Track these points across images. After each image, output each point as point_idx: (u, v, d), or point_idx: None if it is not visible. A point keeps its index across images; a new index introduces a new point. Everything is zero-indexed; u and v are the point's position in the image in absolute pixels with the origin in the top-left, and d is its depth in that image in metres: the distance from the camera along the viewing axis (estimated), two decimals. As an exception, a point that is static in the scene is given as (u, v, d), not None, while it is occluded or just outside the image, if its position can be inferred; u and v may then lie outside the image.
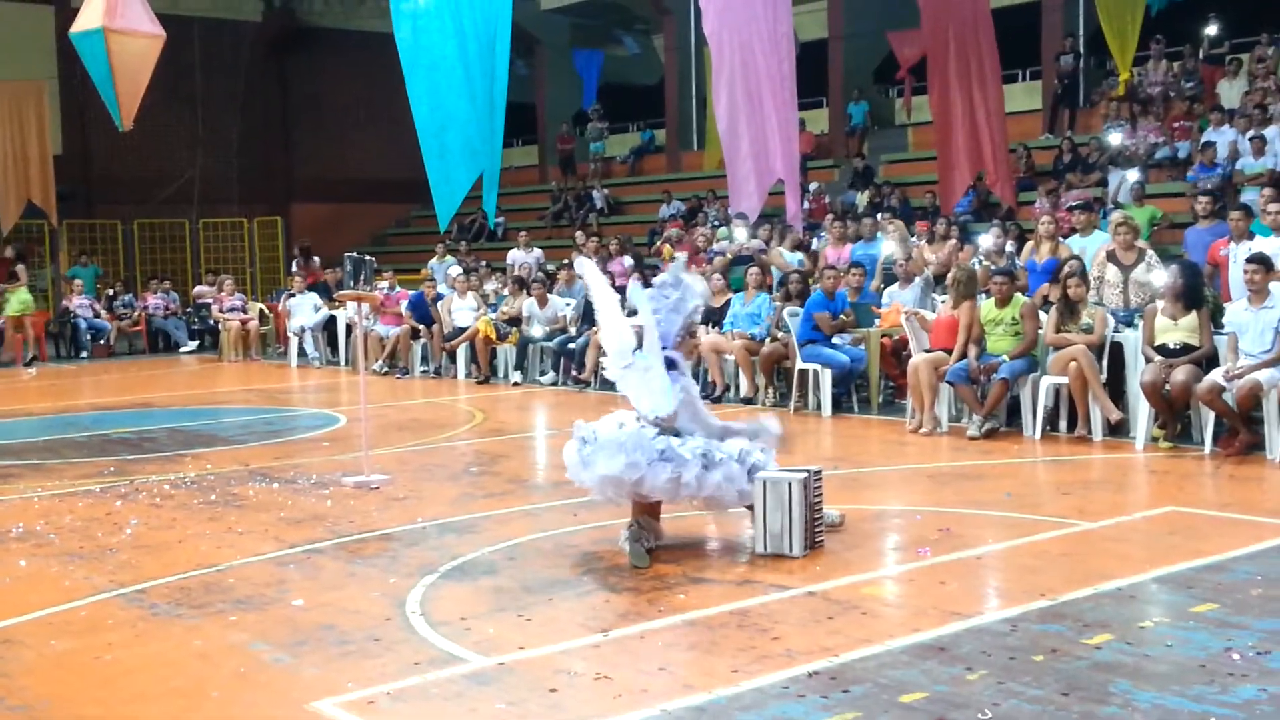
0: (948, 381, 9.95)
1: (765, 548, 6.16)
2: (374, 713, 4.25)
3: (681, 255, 14.21)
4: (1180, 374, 8.73)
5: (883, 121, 24.35)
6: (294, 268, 20.84)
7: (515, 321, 15.16)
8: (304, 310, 18.56)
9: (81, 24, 11.49)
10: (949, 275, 10.89)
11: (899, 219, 15.34)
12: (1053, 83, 20.17)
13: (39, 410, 13.55)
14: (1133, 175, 15.60)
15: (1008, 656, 4.58)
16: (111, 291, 22.01)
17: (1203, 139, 15.76)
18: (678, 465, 6.10)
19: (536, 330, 14.84)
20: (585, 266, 6.99)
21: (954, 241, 13.30)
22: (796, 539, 6.11)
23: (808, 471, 6.28)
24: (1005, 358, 9.66)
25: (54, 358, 20.32)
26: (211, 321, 20.60)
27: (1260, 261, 8.88)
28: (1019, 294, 10.07)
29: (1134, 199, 14.29)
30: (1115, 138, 16.44)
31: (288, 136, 28.52)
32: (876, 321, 11.77)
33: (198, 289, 22.36)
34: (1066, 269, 10.12)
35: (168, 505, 7.92)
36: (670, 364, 6.27)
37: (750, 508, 6.29)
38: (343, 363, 17.64)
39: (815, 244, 14.95)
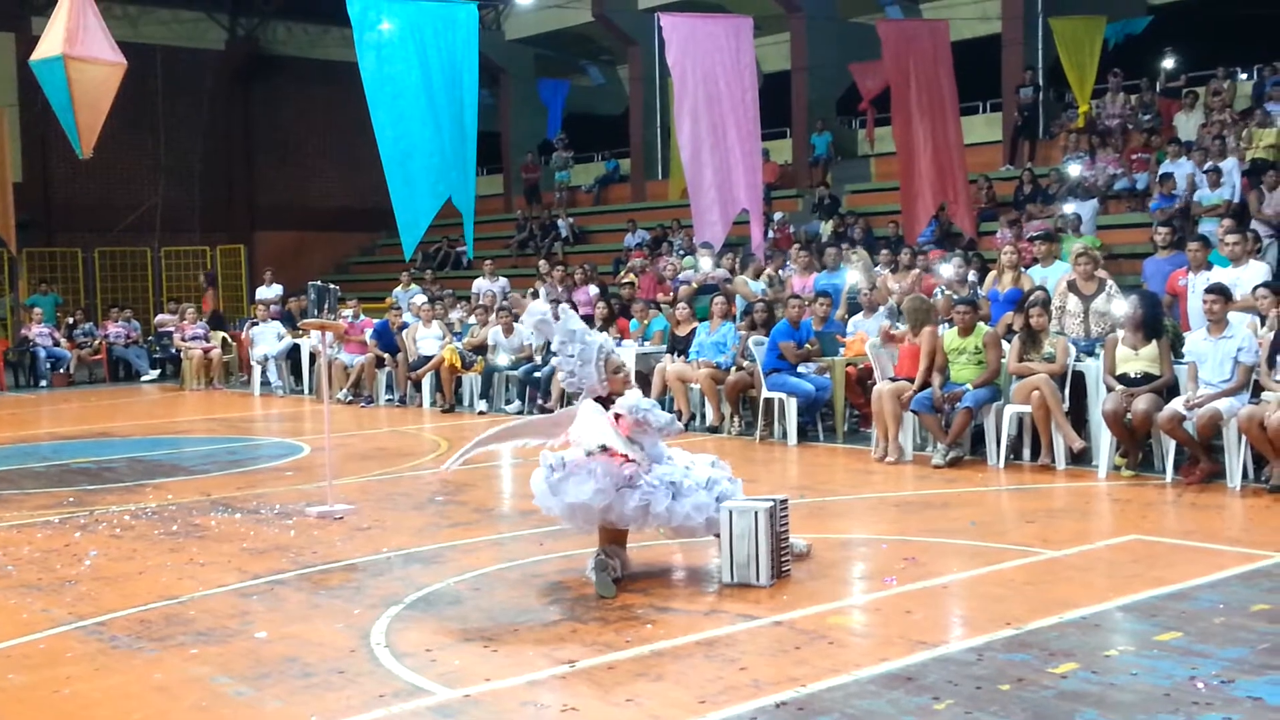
0: (912, 410, 10.00)
1: (732, 577, 6.15)
2: (338, 746, 4.20)
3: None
4: (1141, 403, 8.81)
5: (846, 152, 24.55)
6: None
7: (481, 350, 15.13)
8: (267, 339, 18.44)
9: (42, 51, 11.40)
10: (903, 304, 10.97)
11: (862, 248, 15.44)
12: (1013, 114, 20.41)
13: (-4, 440, 13.38)
14: (1070, 208, 15.81)
15: (974, 686, 4.59)
16: (71, 320, 21.80)
17: (1160, 170, 15.98)
18: (646, 493, 6.11)
19: (502, 359, 14.81)
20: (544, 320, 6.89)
21: (917, 271, 13.40)
22: (763, 568, 6.11)
23: (774, 500, 6.29)
24: (969, 386, 9.72)
25: (12, 387, 20.07)
26: (173, 350, 20.43)
27: (1219, 292, 8.99)
28: (982, 323, 10.14)
29: (1072, 229, 14.48)
30: (1075, 169, 16.64)
31: (251, 165, 28.43)
32: (841, 350, 11.82)
33: (160, 317, 22.19)
34: (1031, 298, 10.21)
35: (128, 536, 7.83)
36: (606, 403, 6.31)
37: (718, 536, 6.29)
38: (306, 391, 17.53)
39: (782, 273, 15.01)
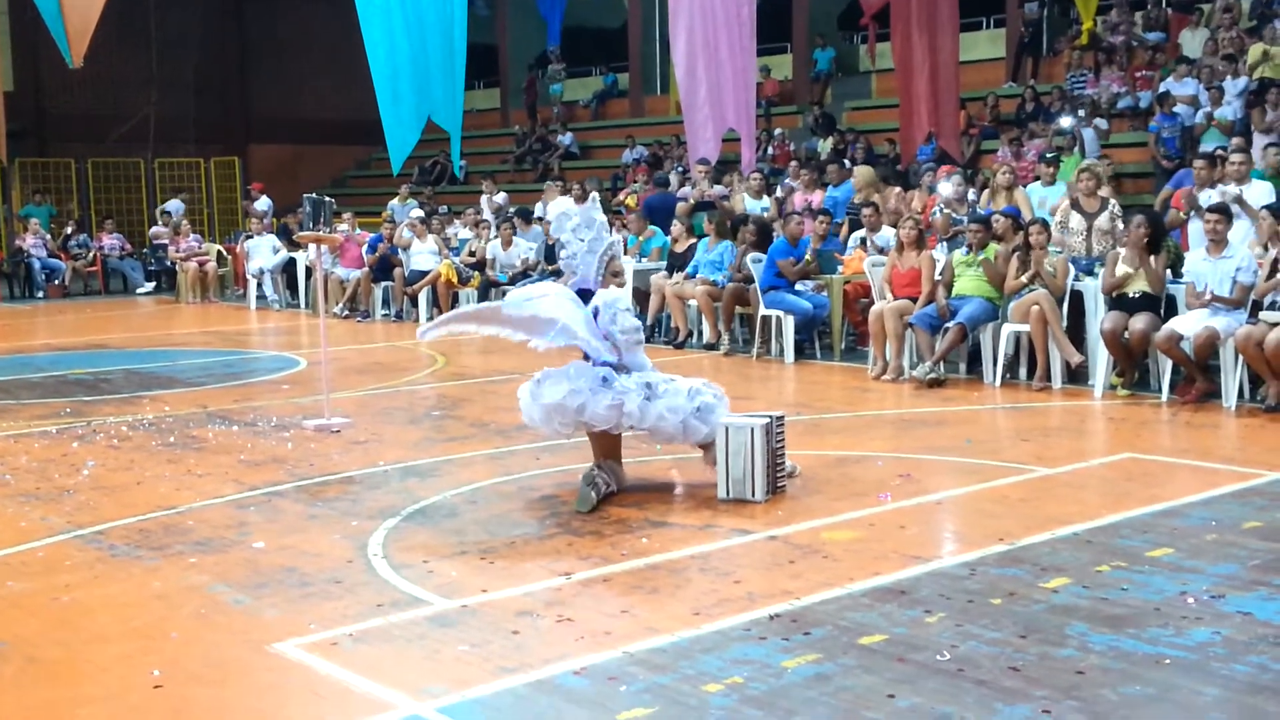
0: (910, 323, 9.97)
1: (727, 493, 6.18)
2: (336, 654, 4.24)
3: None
4: (1139, 322, 8.80)
5: (848, 68, 24.26)
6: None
7: (478, 266, 15.06)
8: (262, 252, 18.36)
9: (31, -43, 11.22)
10: (899, 227, 10.87)
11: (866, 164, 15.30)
12: (1017, 31, 20.13)
13: (-8, 351, 13.37)
14: (1066, 121, 15.65)
15: (966, 600, 4.63)
16: (69, 230, 21.67)
17: (1161, 88, 15.80)
18: (620, 393, 6.12)
19: (504, 271, 14.76)
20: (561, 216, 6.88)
21: (898, 190, 13.25)
22: (758, 484, 6.14)
23: (770, 417, 6.29)
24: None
25: (7, 298, 20.03)
26: (168, 263, 20.34)
27: (1222, 211, 8.94)
28: (993, 242, 10.06)
29: (1069, 149, 14.33)
30: (1066, 121, 16.31)
31: (245, 76, 28.07)
32: (840, 268, 11.77)
33: (154, 229, 22.05)
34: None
35: (125, 447, 7.85)
36: (585, 295, 6.34)
37: (702, 447, 6.33)
38: (303, 305, 17.50)
39: (779, 191, 14.90)
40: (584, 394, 6.11)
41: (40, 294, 19.93)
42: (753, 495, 6.13)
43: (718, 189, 14.86)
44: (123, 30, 22.80)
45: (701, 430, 6.29)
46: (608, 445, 6.35)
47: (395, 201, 19.25)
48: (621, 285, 6.63)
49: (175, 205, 22.56)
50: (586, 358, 6.34)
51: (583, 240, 6.46)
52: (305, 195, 9.47)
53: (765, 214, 13.61)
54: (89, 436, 8.19)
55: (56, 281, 20.30)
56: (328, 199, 9.31)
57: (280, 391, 10.10)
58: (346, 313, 16.06)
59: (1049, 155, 12.68)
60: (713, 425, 6.31)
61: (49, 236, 21.02)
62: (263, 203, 21.11)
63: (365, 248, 16.40)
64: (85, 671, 4.18)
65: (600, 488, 6.16)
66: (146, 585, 5.07)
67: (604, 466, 6.29)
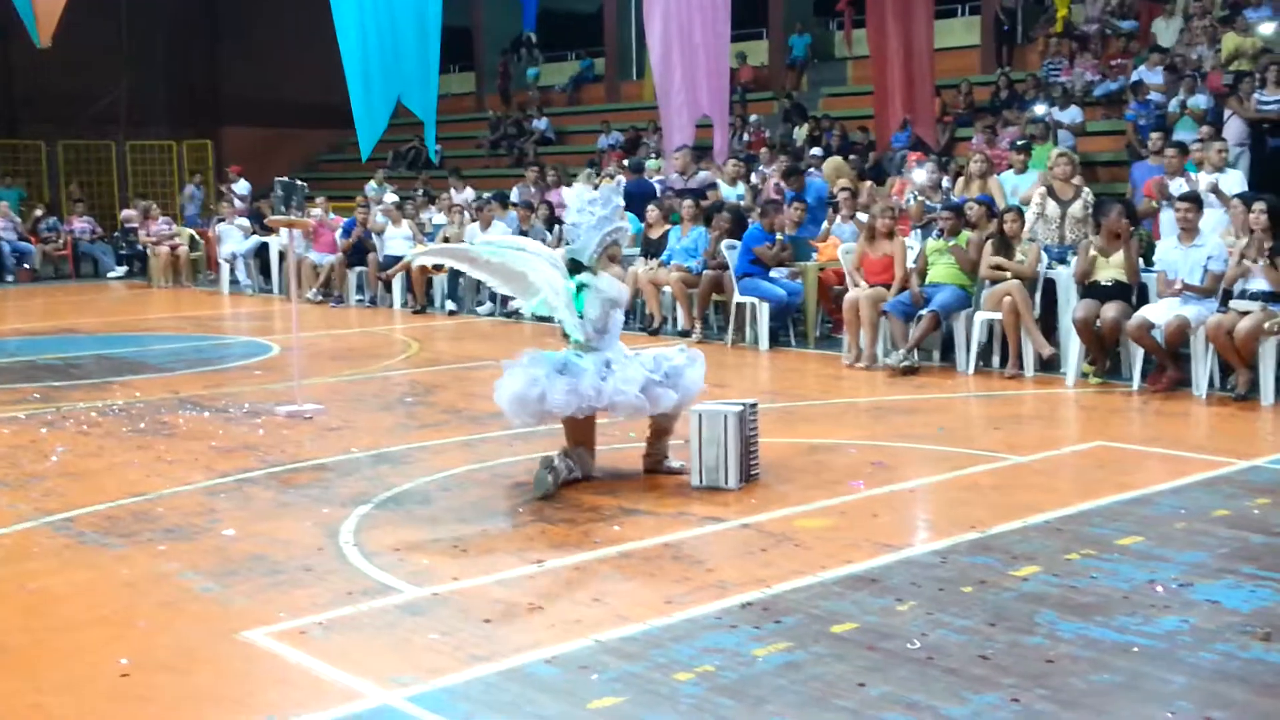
0: (884, 311, 9.99)
1: (701, 480, 6.18)
2: (305, 643, 4.22)
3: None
4: (1110, 310, 8.84)
5: (823, 55, 24.23)
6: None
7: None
8: (235, 236, 18.23)
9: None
10: (868, 216, 10.90)
11: (836, 154, 15.31)
12: (992, 18, 20.14)
13: (-39, 335, 13.24)
14: (1040, 109, 15.68)
15: (937, 588, 4.65)
16: (39, 213, 21.46)
17: (1134, 76, 15.85)
18: (574, 377, 6.10)
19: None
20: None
21: (870, 184, 13.24)
22: (732, 472, 6.14)
23: (744, 405, 6.30)
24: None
25: (-24, 282, 19.87)
26: (139, 247, 20.18)
27: (1193, 200, 8.98)
28: (966, 230, 10.08)
29: (1041, 137, 14.35)
30: (1040, 109, 16.31)
31: (217, 58, 27.81)
32: (814, 255, 11.78)
33: (125, 213, 21.87)
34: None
35: (95, 433, 7.79)
36: (575, 268, 6.35)
37: (662, 417, 6.34)
38: (276, 290, 17.39)
39: (754, 178, 14.88)
40: (541, 383, 6.10)
41: (10, 278, 19.74)
42: (726, 483, 6.13)
43: (703, 175, 14.75)
44: (93, 11, 22.52)
45: (669, 397, 6.22)
46: (579, 433, 6.34)
47: (373, 183, 19.15)
48: (618, 275, 6.55)
49: (241, 187, 22.07)
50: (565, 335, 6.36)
51: (592, 215, 6.41)
52: (277, 179, 9.40)
53: (741, 201, 13.59)
54: (58, 422, 8.12)
55: (26, 265, 20.12)
56: (299, 182, 9.26)
57: (252, 377, 10.04)
58: (320, 298, 15.97)
59: (1021, 143, 12.72)
60: (685, 390, 6.27)
61: (19, 220, 20.81)
62: (242, 186, 20.95)
63: (339, 232, 16.31)
64: (52, 659, 4.15)
65: (560, 473, 6.11)
66: (115, 573, 5.04)
67: (571, 453, 6.27)
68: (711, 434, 6.15)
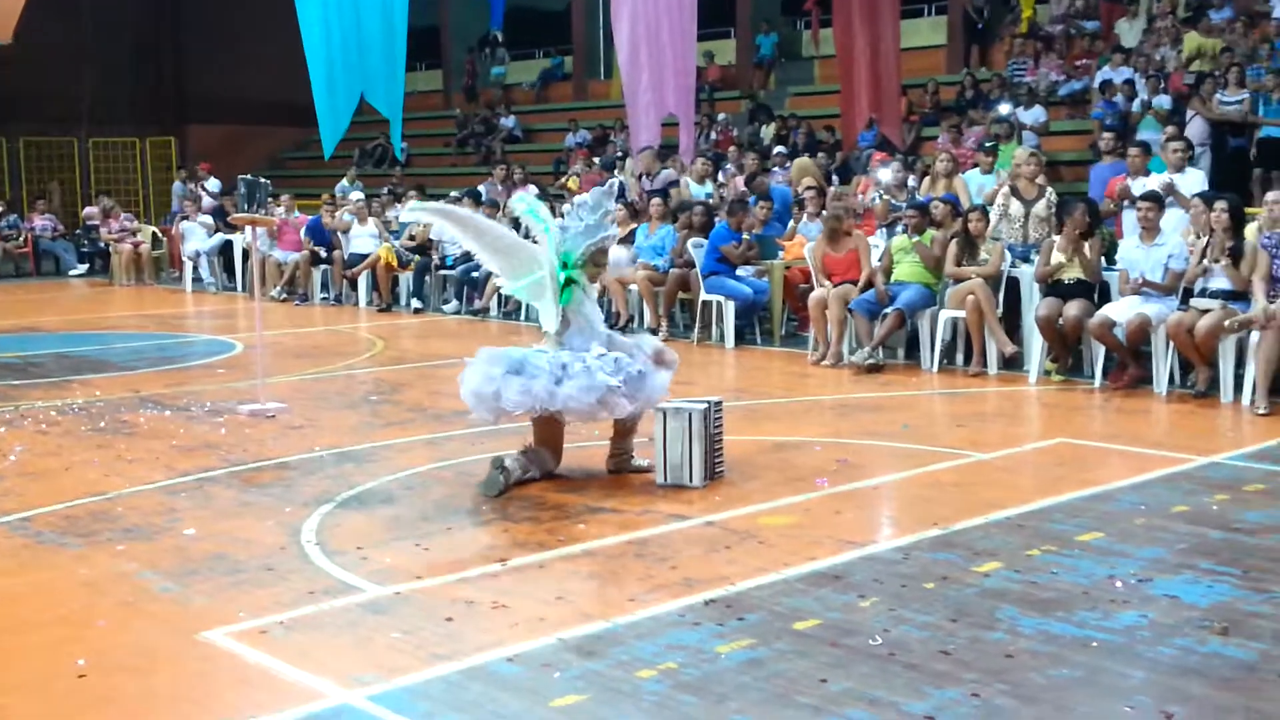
0: (849, 309, 10.02)
1: (665, 478, 6.18)
2: (266, 642, 4.19)
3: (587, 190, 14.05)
4: (1073, 308, 8.90)
5: (791, 54, 24.28)
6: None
7: (419, 249, 14.94)
8: (198, 234, 18.09)
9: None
10: (825, 214, 10.95)
11: (806, 154, 15.34)
12: (959, 18, 20.23)
13: (-81, 334, 13.08)
14: (1005, 108, 15.78)
15: (899, 584, 4.66)
16: (-1, 210, 21.25)
17: (1099, 77, 15.98)
18: (529, 378, 6.08)
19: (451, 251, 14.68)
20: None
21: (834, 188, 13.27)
22: (696, 470, 6.14)
23: (708, 402, 6.30)
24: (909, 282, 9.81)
25: (-65, 280, 19.63)
26: (101, 244, 19.99)
27: (1154, 199, 9.05)
28: (931, 229, 10.12)
29: (1005, 136, 14.43)
30: (1005, 107, 16.40)
31: (181, 55, 27.57)
32: (780, 254, 11.81)
33: (87, 210, 21.65)
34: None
35: (54, 432, 7.71)
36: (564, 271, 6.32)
37: (622, 423, 6.33)
38: (240, 288, 17.27)
39: (721, 176, 14.89)
40: (497, 381, 6.10)
41: (-30, 276, 19.53)
42: (690, 481, 6.14)
43: (667, 173, 14.74)
44: (55, 7, 22.35)
45: (624, 407, 6.17)
46: (544, 431, 6.33)
47: (344, 182, 19.05)
48: (594, 280, 6.54)
49: (212, 184, 21.82)
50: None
51: (581, 220, 6.40)
52: (240, 176, 9.34)
53: (709, 199, 13.60)
54: (16, 421, 8.03)
55: (-14, 263, 19.91)
56: (263, 180, 9.18)
57: (215, 376, 9.97)
58: (284, 296, 15.88)
59: (988, 144, 12.79)
60: (645, 399, 6.23)
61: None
62: (213, 183, 20.79)
63: (303, 230, 16.21)
64: (8, 660, 4.10)
65: (512, 473, 6.09)
66: (73, 573, 4.98)
67: (529, 452, 6.24)
68: (676, 431, 6.14)
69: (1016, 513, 5.63)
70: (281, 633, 4.28)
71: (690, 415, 6.13)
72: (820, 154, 15.73)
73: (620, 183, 7.40)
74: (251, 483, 6.42)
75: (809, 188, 12.57)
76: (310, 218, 16.52)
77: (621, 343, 6.53)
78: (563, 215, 6.67)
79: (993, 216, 10.33)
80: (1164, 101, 14.58)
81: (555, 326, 6.28)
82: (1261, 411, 7.79)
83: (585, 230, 6.38)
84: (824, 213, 11.11)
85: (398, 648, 4.11)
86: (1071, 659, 3.94)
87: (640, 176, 14.65)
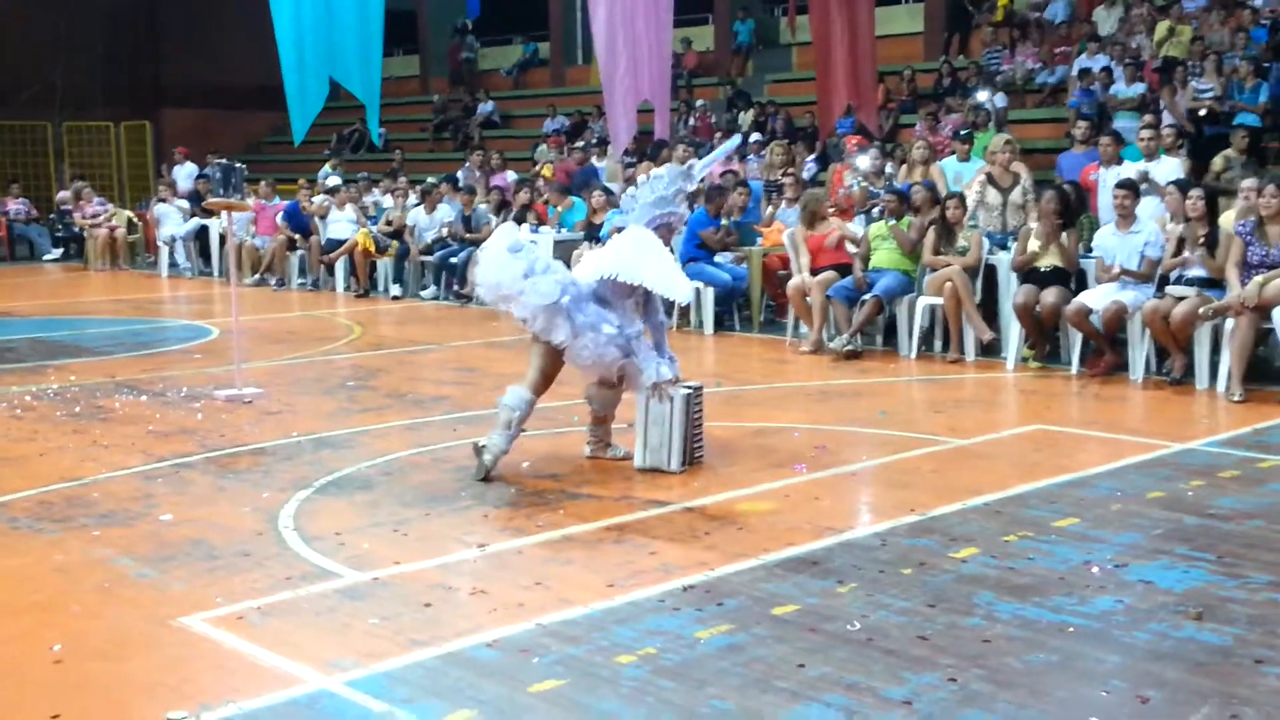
0: (828, 296, 10.03)
1: (645, 461, 6.18)
2: (242, 628, 4.17)
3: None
4: (1050, 296, 8.94)
5: (768, 40, 24.26)
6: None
7: (396, 234, 14.89)
8: (174, 218, 17.97)
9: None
10: (801, 200, 10.98)
11: (785, 140, 15.34)
12: (937, 5, 20.25)
13: (-110, 319, 12.95)
14: (983, 95, 15.83)
15: (877, 570, 4.68)
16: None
17: (1075, 66, 16.02)
18: (564, 288, 5.99)
19: (426, 237, 14.65)
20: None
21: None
22: (675, 455, 6.14)
23: (689, 388, 6.30)
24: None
25: (-93, 264, 19.44)
26: (75, 229, 19.84)
27: (1129, 187, 9.09)
28: (910, 215, 10.14)
29: (984, 123, 14.47)
30: (982, 96, 16.44)
31: (156, 39, 27.33)
32: (759, 240, 11.81)
33: (60, 194, 21.47)
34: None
35: (29, 417, 7.65)
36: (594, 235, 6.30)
37: (599, 405, 6.32)
38: (216, 273, 17.18)
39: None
40: (520, 282, 5.95)
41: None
42: (669, 465, 6.14)
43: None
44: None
45: (617, 361, 6.08)
46: (544, 364, 6.19)
47: (326, 167, 18.95)
48: (672, 231, 6.51)
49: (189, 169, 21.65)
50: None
51: (653, 191, 6.35)
52: (215, 160, 9.27)
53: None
54: (-10, 407, 7.97)
55: (-41, 248, 19.72)
56: (238, 165, 9.13)
57: (191, 361, 9.91)
58: (261, 281, 15.79)
59: (964, 132, 12.81)
60: (637, 362, 6.13)
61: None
62: (190, 168, 20.65)
63: (280, 215, 16.12)
64: (-18, 648, 4.07)
65: (496, 451, 6.03)
66: (47, 558, 4.95)
67: (498, 430, 6.08)
68: (659, 415, 6.14)
69: (994, 499, 5.65)
70: (259, 618, 4.27)
71: (673, 399, 6.13)
72: (798, 141, 15.73)
73: (695, 163, 7.26)
74: (228, 468, 6.39)
75: (787, 173, 12.59)
76: (288, 203, 16.43)
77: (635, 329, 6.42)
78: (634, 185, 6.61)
79: (969, 204, 10.35)
80: (1139, 89, 14.63)
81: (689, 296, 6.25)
82: (1236, 398, 7.84)
83: (655, 201, 6.35)
84: (806, 198, 11.13)
85: (376, 633, 4.10)
86: (1048, 644, 3.96)
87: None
